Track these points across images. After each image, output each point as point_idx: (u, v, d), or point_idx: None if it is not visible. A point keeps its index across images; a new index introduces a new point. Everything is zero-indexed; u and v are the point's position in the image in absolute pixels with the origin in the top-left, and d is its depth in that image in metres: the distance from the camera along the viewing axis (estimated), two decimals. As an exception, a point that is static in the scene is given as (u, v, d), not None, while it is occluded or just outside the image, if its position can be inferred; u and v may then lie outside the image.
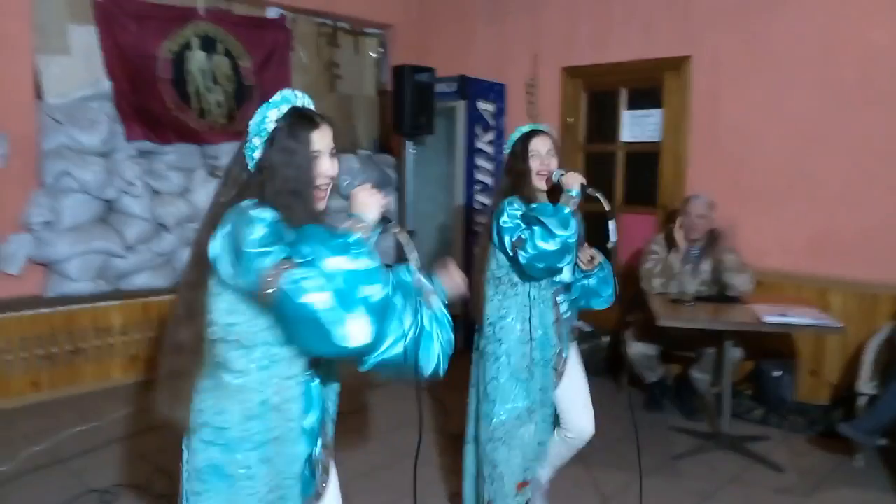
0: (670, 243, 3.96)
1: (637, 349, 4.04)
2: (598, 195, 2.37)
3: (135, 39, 4.60)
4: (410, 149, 5.08)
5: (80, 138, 4.32)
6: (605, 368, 4.71)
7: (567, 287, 2.54)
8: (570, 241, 2.28)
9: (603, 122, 5.05)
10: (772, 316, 3.29)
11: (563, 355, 2.52)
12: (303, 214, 1.49)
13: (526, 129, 2.53)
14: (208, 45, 4.97)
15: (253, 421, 1.50)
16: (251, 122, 1.55)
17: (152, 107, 4.68)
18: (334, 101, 5.79)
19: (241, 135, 5.43)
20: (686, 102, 4.55)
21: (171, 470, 3.12)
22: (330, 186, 1.59)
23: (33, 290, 4.30)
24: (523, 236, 2.30)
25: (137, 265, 4.61)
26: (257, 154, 1.53)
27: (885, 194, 3.87)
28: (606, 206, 2.36)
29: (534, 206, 2.41)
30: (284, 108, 1.54)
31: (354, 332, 1.32)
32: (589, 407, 2.59)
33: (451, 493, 3.08)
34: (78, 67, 4.43)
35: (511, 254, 2.35)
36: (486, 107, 5.33)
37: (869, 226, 3.92)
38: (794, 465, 3.42)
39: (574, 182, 2.37)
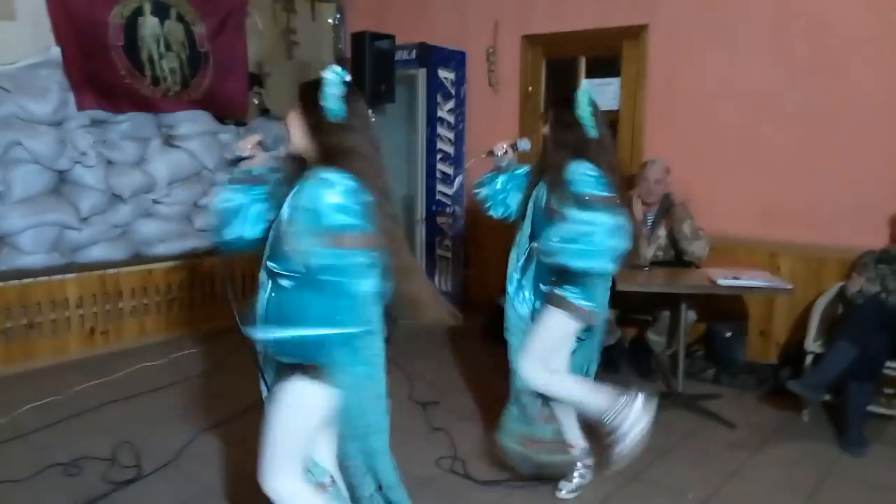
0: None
1: (596, 313, 4.14)
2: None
3: (84, 4, 4.44)
4: (370, 117, 5.04)
5: (30, 107, 4.18)
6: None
7: None
8: None
9: (563, 90, 5.08)
10: (725, 279, 3.40)
11: None
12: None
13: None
14: (161, 10, 4.83)
15: None
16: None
17: (104, 74, 4.55)
18: (291, 68, 5.72)
19: (196, 102, 5.29)
20: (643, 71, 4.61)
21: (135, 441, 3.14)
22: None
23: (-15, 263, 4.19)
24: None
25: (92, 237, 4.52)
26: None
27: (831, 162, 4.00)
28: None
29: None
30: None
31: None
32: None
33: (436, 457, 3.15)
34: (25, 34, 4.28)
35: None
36: (446, 75, 5.32)
37: (817, 192, 4.06)
38: (745, 421, 3.58)
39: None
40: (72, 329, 4.39)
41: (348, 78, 1.87)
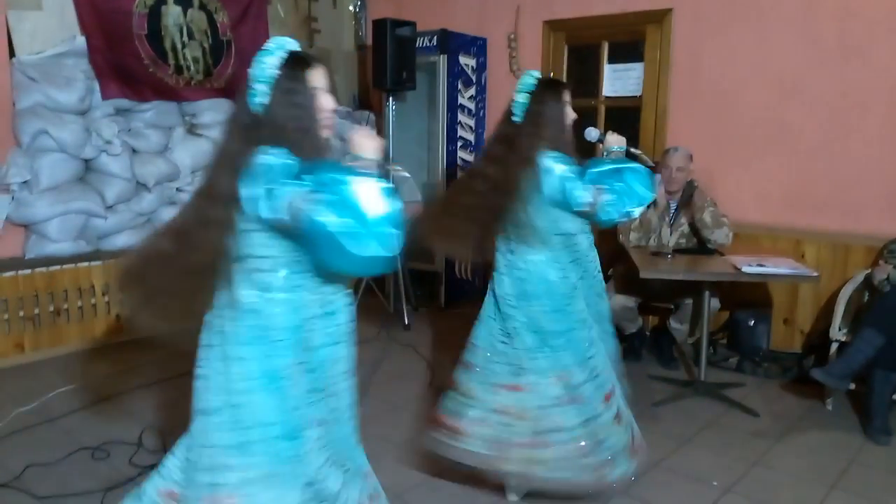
0: None
1: (617, 301, 4.11)
2: (639, 153, 2.76)
3: (108, -7, 4.49)
4: (391, 105, 5.04)
5: (56, 96, 4.23)
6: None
7: None
8: None
9: (585, 76, 5.04)
10: (749, 266, 3.37)
11: None
12: (311, 148, 1.64)
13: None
14: (183, -1, 4.86)
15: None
16: (251, 72, 1.66)
17: (128, 63, 4.58)
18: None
19: (219, 91, 5.28)
20: (667, 56, 4.56)
21: (161, 426, 3.19)
22: (331, 119, 1.73)
23: (13, 251, 4.26)
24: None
25: (118, 225, 4.58)
26: (262, 99, 1.64)
27: (859, 148, 3.94)
28: (650, 163, 2.70)
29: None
30: (281, 54, 1.66)
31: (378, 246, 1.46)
32: None
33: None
34: (51, 23, 4.32)
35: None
36: (467, 62, 5.30)
37: (843, 178, 4.00)
38: (768, 410, 3.55)
39: (617, 142, 2.60)
40: (98, 316, 4.45)
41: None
